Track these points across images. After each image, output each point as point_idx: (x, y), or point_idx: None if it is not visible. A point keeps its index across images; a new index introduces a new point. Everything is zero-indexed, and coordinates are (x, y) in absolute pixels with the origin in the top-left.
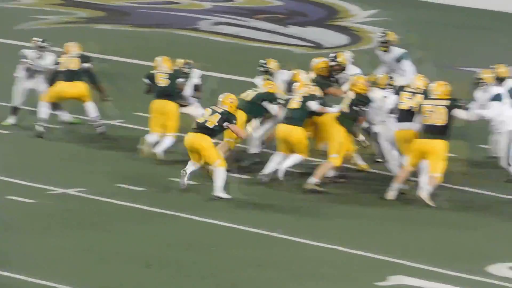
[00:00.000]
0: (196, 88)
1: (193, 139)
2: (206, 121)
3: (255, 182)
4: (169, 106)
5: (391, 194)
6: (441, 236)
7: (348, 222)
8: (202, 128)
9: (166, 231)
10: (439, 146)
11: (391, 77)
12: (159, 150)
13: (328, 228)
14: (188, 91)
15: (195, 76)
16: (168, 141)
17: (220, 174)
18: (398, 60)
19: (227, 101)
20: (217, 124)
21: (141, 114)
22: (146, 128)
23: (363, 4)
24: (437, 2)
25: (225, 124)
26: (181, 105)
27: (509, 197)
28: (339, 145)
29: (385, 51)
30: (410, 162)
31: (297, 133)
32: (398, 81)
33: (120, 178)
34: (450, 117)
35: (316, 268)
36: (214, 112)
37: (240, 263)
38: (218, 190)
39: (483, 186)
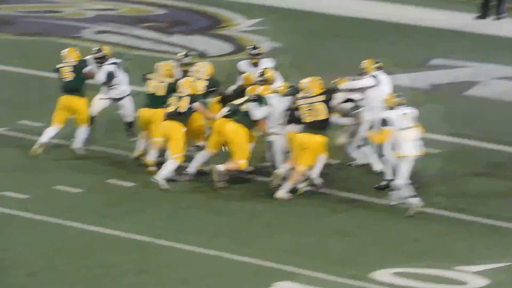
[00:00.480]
0: (110, 75)
1: (167, 127)
2: (177, 108)
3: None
4: (74, 101)
5: (280, 193)
6: (326, 241)
7: (234, 228)
8: (175, 116)
9: (51, 239)
10: (318, 141)
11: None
12: (76, 145)
13: (214, 235)
14: (101, 77)
15: (110, 62)
16: (82, 133)
17: (171, 165)
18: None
19: (188, 84)
20: (188, 107)
21: (27, 122)
22: (32, 137)
23: (247, 13)
24: (320, 12)
25: (193, 105)
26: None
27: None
28: (245, 149)
29: (255, 63)
30: (301, 161)
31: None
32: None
33: (4, 186)
34: (329, 110)
35: (201, 275)
36: (180, 97)
37: (123, 270)
38: (161, 176)
39: (366, 191)
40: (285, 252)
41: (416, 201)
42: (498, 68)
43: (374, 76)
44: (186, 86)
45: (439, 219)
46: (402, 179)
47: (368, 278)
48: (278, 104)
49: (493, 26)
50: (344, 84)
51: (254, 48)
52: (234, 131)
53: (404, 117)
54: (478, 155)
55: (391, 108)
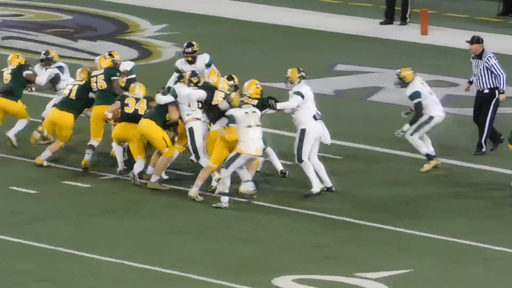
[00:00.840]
0: (53, 79)
1: (124, 130)
2: (136, 110)
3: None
4: (9, 106)
5: (193, 190)
6: (230, 248)
7: (138, 235)
8: (134, 117)
9: None
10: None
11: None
12: (10, 133)
13: (118, 242)
14: (41, 80)
15: (55, 66)
16: (21, 124)
17: (139, 165)
18: (209, 65)
19: (144, 88)
20: (146, 109)
21: None
22: None
23: (153, 18)
24: (228, 17)
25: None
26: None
27: (289, 208)
28: (163, 139)
29: (191, 61)
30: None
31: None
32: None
33: None
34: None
35: (105, 283)
36: (137, 99)
37: (27, 278)
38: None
39: (269, 197)
40: (189, 259)
41: (225, 200)
42: None
43: (301, 95)
44: (142, 90)
45: (343, 225)
46: (228, 171)
47: (269, 285)
48: (184, 92)
49: (398, 32)
50: (279, 104)
51: (188, 46)
52: (145, 127)
53: (249, 115)
54: (381, 161)
55: (237, 107)
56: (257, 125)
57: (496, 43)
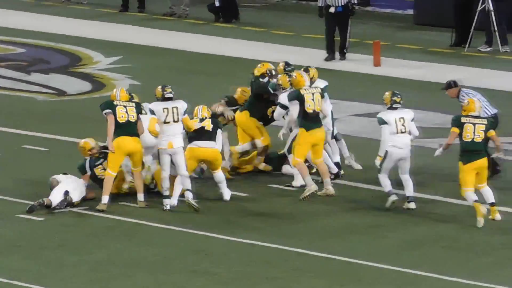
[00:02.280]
0: None
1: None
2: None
3: None
4: None
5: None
6: (182, 280)
7: (91, 268)
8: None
9: None
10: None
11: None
12: None
13: (71, 275)
14: None
15: None
16: None
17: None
18: None
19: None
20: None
21: None
22: None
23: (105, 51)
24: (181, 49)
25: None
26: None
27: (245, 240)
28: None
29: None
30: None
31: None
32: None
33: None
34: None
35: None
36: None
37: None
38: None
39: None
40: None
41: (172, 201)
42: (354, 104)
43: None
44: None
45: (299, 256)
46: (165, 171)
47: None
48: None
49: (350, 64)
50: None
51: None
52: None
53: (169, 111)
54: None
55: (160, 100)
56: (179, 121)
57: (449, 74)
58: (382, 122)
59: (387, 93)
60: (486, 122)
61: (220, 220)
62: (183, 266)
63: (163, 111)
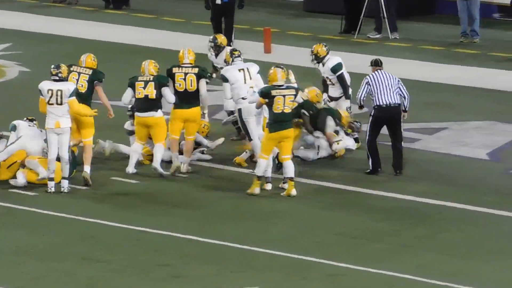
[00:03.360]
0: None
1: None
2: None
3: None
4: None
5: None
6: (72, 268)
7: None
8: None
9: None
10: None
11: None
12: None
13: None
14: None
15: None
16: None
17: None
18: None
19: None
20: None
21: None
22: None
23: None
24: (72, 36)
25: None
26: None
27: (136, 227)
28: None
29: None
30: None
31: None
32: None
33: None
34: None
35: None
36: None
37: None
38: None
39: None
40: (33, 280)
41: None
42: None
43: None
44: None
45: (188, 242)
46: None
47: None
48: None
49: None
50: None
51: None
52: None
53: (53, 93)
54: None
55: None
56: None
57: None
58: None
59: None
60: (294, 93)
61: (112, 208)
62: (74, 253)
63: (48, 92)
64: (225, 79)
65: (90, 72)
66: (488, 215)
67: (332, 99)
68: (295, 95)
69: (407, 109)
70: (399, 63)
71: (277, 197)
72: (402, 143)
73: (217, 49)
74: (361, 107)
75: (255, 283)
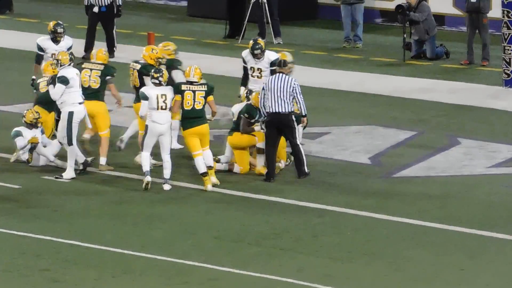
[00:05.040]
0: None
1: None
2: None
3: None
4: None
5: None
6: None
7: None
8: None
9: None
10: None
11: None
12: None
13: None
14: None
15: None
16: None
17: None
18: None
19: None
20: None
21: None
22: None
23: None
24: None
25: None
26: None
27: (16, 232)
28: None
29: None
30: None
31: None
32: None
33: None
34: None
35: None
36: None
37: None
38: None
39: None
40: None
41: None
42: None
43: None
44: None
45: (69, 248)
46: None
47: None
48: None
49: (121, 55)
50: None
51: (58, 25)
52: None
53: None
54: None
55: None
56: None
57: (221, 66)
58: (144, 97)
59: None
60: (205, 89)
61: None
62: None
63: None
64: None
65: (102, 67)
66: (367, 218)
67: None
68: (206, 92)
69: (304, 113)
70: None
71: (157, 201)
72: (287, 148)
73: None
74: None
75: (135, 287)
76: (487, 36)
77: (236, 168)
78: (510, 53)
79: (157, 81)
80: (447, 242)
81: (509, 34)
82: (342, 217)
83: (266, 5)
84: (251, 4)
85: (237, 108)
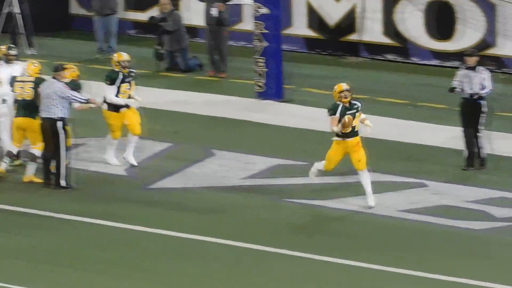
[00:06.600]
0: None
1: None
2: None
3: None
4: None
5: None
6: None
7: None
8: None
9: None
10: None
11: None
12: None
13: None
14: None
15: None
16: None
17: None
18: None
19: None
20: None
21: None
22: None
23: None
24: None
25: None
26: None
27: None
28: None
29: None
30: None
31: None
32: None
33: None
34: None
35: None
36: None
37: None
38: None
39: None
40: None
41: None
42: None
43: None
44: None
45: None
46: None
47: None
48: None
49: None
50: None
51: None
52: None
53: None
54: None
55: None
56: None
57: None
58: None
59: None
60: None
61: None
62: None
63: None
64: None
65: None
66: (125, 230)
67: None
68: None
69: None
70: None
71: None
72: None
73: None
74: None
75: None
76: (226, 48)
77: None
78: (262, 66)
79: None
80: (205, 253)
81: (262, 46)
82: (102, 229)
83: (18, 15)
84: (4, 15)
85: None
